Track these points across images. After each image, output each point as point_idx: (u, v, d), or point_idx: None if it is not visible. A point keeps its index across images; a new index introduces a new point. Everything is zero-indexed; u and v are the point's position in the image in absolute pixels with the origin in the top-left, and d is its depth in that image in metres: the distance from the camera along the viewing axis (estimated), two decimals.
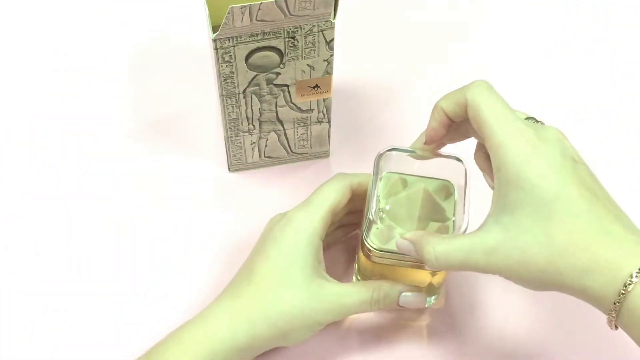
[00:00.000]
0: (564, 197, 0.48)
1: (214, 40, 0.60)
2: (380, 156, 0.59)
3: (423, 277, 0.60)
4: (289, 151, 0.73)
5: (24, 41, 0.83)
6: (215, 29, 0.60)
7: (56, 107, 0.78)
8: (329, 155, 0.75)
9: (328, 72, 0.65)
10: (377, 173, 0.58)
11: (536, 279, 0.49)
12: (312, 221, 0.59)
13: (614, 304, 0.46)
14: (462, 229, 0.55)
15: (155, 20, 0.84)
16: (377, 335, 0.64)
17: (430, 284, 0.61)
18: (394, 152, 0.59)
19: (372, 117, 0.78)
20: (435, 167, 0.59)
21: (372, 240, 0.58)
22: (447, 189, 0.59)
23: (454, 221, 0.58)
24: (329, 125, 0.71)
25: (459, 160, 0.58)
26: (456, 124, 0.55)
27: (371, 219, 0.56)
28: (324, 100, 0.68)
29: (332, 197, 0.60)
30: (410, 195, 0.59)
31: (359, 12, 0.85)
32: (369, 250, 0.58)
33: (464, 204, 0.56)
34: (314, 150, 0.74)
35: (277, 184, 0.73)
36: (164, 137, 0.76)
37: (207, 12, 0.61)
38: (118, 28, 0.84)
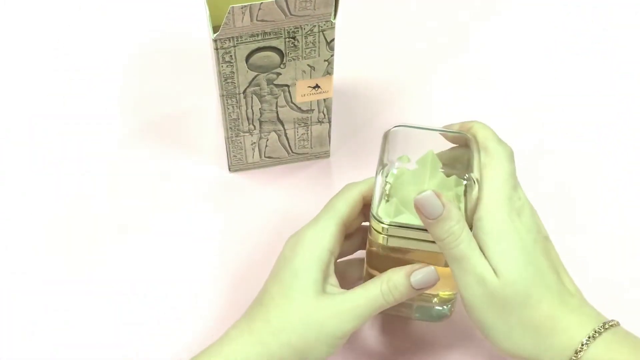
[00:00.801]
0: (539, 265, 0.54)
1: (215, 41, 0.60)
2: (388, 133, 0.58)
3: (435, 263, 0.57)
4: (290, 151, 0.73)
5: (24, 41, 0.83)
6: (215, 29, 0.60)
7: (56, 107, 0.78)
8: (329, 156, 0.75)
9: (329, 72, 0.65)
10: (384, 149, 0.57)
11: (503, 330, 0.53)
12: (321, 237, 0.57)
13: None
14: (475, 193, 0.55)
15: (155, 20, 0.84)
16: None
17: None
18: (401, 129, 0.57)
19: (372, 117, 0.78)
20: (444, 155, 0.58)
21: (381, 215, 0.55)
22: (456, 178, 0.57)
23: (466, 184, 0.56)
24: (330, 126, 0.71)
25: (467, 136, 0.58)
26: None
27: (379, 191, 0.55)
28: (324, 100, 0.68)
29: (342, 210, 0.59)
30: (418, 163, 0.56)
31: (360, 12, 0.85)
32: (377, 228, 0.55)
33: (475, 180, 0.56)
34: (314, 150, 0.74)
35: (278, 184, 0.73)
36: (164, 137, 0.76)
37: (208, 12, 0.61)
38: (118, 28, 0.84)
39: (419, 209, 0.53)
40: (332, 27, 0.62)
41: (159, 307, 0.66)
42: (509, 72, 0.82)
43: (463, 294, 0.54)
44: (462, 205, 0.56)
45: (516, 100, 0.80)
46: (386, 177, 0.56)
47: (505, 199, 0.54)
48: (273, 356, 0.55)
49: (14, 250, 0.69)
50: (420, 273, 0.56)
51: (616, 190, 0.73)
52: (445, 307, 0.62)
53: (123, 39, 0.83)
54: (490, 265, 0.53)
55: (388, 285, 0.56)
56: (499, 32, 0.85)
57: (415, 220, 0.55)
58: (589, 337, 0.52)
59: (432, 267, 0.56)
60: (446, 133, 0.58)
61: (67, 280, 0.67)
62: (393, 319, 0.65)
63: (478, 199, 0.55)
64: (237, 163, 0.73)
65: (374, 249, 0.58)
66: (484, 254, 0.53)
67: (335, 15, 0.61)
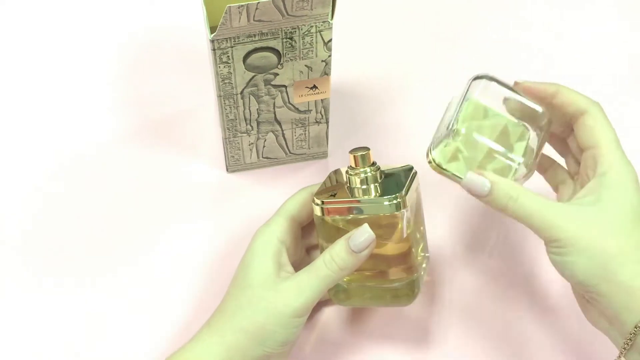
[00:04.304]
0: None
1: (212, 41, 0.60)
2: (473, 80, 0.60)
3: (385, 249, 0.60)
4: (287, 152, 0.73)
5: (22, 41, 0.83)
6: (213, 29, 0.60)
7: (54, 107, 0.78)
8: (327, 156, 0.75)
9: (326, 73, 0.65)
10: (464, 94, 0.59)
11: (599, 260, 0.53)
12: (270, 230, 0.60)
13: None
14: (523, 174, 0.57)
15: (153, 20, 0.84)
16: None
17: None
18: (484, 81, 0.59)
19: (370, 117, 0.78)
20: (517, 112, 0.59)
21: (437, 154, 0.58)
22: (522, 133, 0.59)
23: (519, 164, 0.58)
24: (327, 126, 0.71)
25: (542, 111, 0.59)
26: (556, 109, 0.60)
27: (445, 132, 0.57)
28: (322, 100, 0.68)
29: (290, 208, 0.61)
30: (491, 126, 0.58)
31: (357, 13, 0.85)
32: (431, 163, 0.58)
33: (537, 153, 0.58)
34: (312, 150, 0.73)
35: (276, 185, 0.73)
36: (162, 138, 0.76)
37: (205, 12, 0.61)
38: (116, 28, 0.84)
39: (469, 192, 0.56)
40: (330, 28, 0.62)
41: (156, 309, 0.66)
42: (510, 73, 0.82)
43: (548, 233, 0.54)
44: (512, 170, 0.57)
45: None
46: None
47: (623, 154, 0.56)
48: (229, 344, 0.56)
49: (13, 250, 0.69)
50: (356, 233, 0.57)
51: None
52: (408, 288, 0.61)
53: (119, 38, 0.83)
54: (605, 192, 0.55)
55: (330, 254, 0.57)
56: (499, 32, 0.85)
57: (464, 170, 0.57)
58: None
59: (365, 225, 0.57)
60: (525, 96, 0.60)
61: (62, 281, 0.67)
62: (362, 310, 0.66)
63: (596, 157, 0.56)
64: (234, 164, 0.73)
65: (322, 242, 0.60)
66: (598, 200, 0.54)
67: (332, 15, 0.61)
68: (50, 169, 0.74)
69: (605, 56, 0.83)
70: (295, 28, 0.61)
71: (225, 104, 0.66)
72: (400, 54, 0.83)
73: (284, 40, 0.62)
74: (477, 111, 0.59)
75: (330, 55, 0.64)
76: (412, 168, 0.61)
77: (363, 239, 0.57)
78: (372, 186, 0.59)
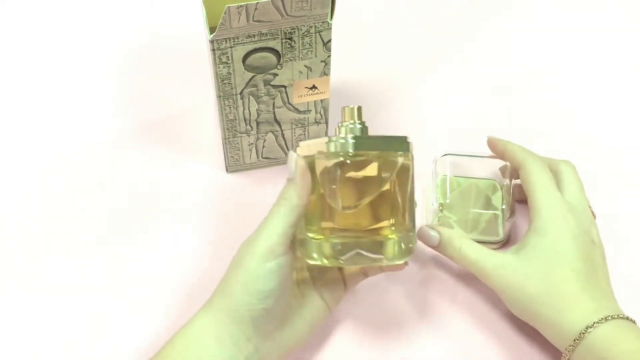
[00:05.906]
0: (573, 254, 0.60)
1: (211, 41, 0.60)
2: (440, 158, 0.69)
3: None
4: (287, 152, 0.73)
5: (22, 41, 0.83)
6: (212, 29, 0.60)
7: (54, 107, 0.78)
8: None
9: (325, 73, 0.65)
10: (436, 173, 0.68)
11: (524, 302, 0.60)
12: (271, 217, 0.58)
13: (574, 340, 0.57)
14: (508, 216, 0.67)
15: (153, 21, 0.85)
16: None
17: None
18: (448, 157, 0.69)
19: (369, 118, 0.77)
20: (484, 170, 0.70)
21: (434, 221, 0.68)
22: (494, 186, 0.69)
23: (503, 209, 0.67)
24: (327, 126, 0.71)
25: (504, 162, 0.68)
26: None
27: (434, 209, 0.67)
28: (321, 101, 0.68)
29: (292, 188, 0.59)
30: (467, 190, 0.69)
31: (357, 13, 0.85)
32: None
33: (510, 197, 0.67)
34: None
35: (275, 185, 0.72)
36: (162, 138, 0.76)
37: (205, 12, 0.61)
38: (115, 28, 0.84)
39: (423, 242, 0.64)
40: (329, 28, 0.62)
41: (156, 309, 0.66)
42: (509, 73, 0.82)
43: (490, 281, 0.61)
44: (499, 216, 0.68)
45: (516, 101, 0.80)
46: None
47: (554, 198, 0.62)
48: (219, 306, 0.57)
49: (12, 251, 0.69)
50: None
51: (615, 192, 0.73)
52: (403, 241, 0.58)
53: (119, 38, 0.83)
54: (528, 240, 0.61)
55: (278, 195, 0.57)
56: (498, 32, 0.85)
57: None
58: (596, 322, 0.57)
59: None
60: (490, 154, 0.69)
61: (62, 281, 0.67)
62: (369, 289, 0.66)
63: (531, 205, 0.63)
64: (234, 164, 0.73)
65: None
66: (528, 246, 0.61)
67: (331, 15, 0.61)
68: (50, 169, 0.74)
69: (607, 56, 0.83)
70: (294, 28, 0.61)
71: (224, 104, 0.66)
72: (400, 54, 0.83)
73: (284, 40, 0.62)
74: (451, 183, 0.69)
75: (329, 56, 0.64)
76: (406, 137, 0.59)
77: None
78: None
